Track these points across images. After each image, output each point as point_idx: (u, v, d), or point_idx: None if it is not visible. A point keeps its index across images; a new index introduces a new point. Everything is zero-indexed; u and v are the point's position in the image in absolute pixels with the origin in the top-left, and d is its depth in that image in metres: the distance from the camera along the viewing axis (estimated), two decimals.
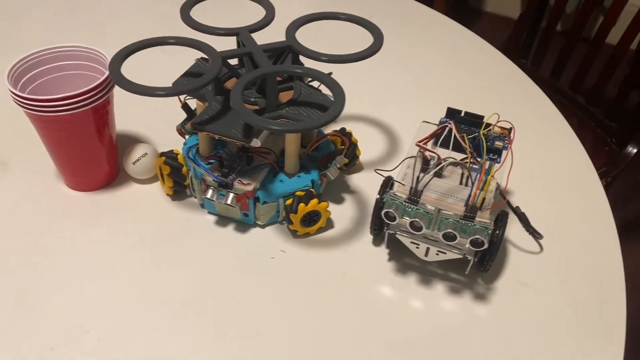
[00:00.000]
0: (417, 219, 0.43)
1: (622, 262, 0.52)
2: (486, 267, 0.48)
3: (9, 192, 0.55)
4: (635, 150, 0.97)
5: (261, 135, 0.48)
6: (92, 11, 0.85)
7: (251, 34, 0.51)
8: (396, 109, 0.69)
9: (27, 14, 0.84)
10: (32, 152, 0.59)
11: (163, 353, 0.43)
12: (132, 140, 0.61)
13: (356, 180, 0.59)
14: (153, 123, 0.63)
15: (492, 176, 0.43)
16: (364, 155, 0.60)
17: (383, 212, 0.44)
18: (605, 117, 1.04)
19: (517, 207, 0.54)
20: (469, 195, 0.44)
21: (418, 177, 0.45)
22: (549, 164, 0.62)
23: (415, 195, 0.44)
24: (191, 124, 0.47)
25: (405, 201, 0.44)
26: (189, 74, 0.52)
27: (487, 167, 0.43)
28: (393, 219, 0.44)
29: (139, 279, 0.48)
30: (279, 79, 0.51)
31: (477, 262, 0.48)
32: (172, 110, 0.58)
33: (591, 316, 0.47)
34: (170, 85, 0.50)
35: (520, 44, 1.17)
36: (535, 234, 0.52)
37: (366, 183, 0.58)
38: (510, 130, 0.50)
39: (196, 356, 0.43)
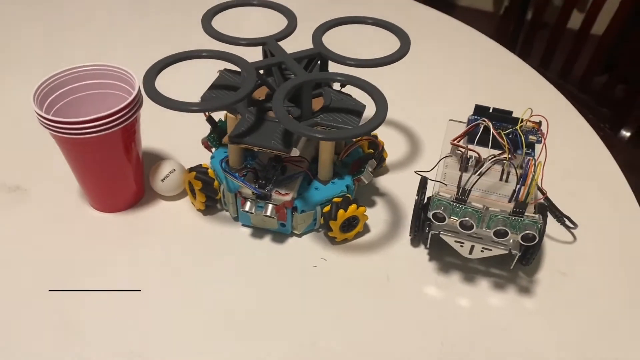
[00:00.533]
0: (467, 218, 0.44)
1: None
2: (529, 260, 0.49)
3: (32, 218, 0.54)
4: (629, 134, 0.99)
5: (299, 144, 0.48)
6: (96, 30, 0.83)
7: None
8: (410, 108, 0.69)
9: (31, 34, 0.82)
10: (50, 176, 0.57)
11: None
12: (153, 157, 0.60)
13: (384, 182, 0.59)
14: (171, 138, 0.61)
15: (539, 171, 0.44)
16: (387, 158, 0.60)
17: (432, 213, 0.45)
18: (597, 104, 1.06)
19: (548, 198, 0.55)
20: (515, 191, 0.44)
21: (461, 176, 0.46)
22: (565, 154, 0.63)
23: (463, 195, 0.44)
24: (229, 138, 0.47)
25: (453, 201, 0.44)
26: (216, 86, 0.51)
27: (534, 163, 0.44)
28: (442, 219, 0.45)
29: (183, 297, 0.47)
30: None
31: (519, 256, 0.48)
32: (189, 124, 0.58)
33: (631, 297, 0.49)
34: (199, 99, 0.50)
35: (507, 37, 1.19)
36: (570, 224, 0.53)
37: (394, 185, 0.58)
38: (540, 123, 0.51)
39: None
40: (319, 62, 0.51)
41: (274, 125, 0.48)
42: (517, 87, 0.75)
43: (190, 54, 0.46)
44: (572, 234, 0.54)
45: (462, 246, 0.48)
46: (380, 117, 0.43)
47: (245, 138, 0.46)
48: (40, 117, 0.47)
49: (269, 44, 0.51)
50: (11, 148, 0.62)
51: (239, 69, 0.51)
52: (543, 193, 0.48)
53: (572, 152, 0.64)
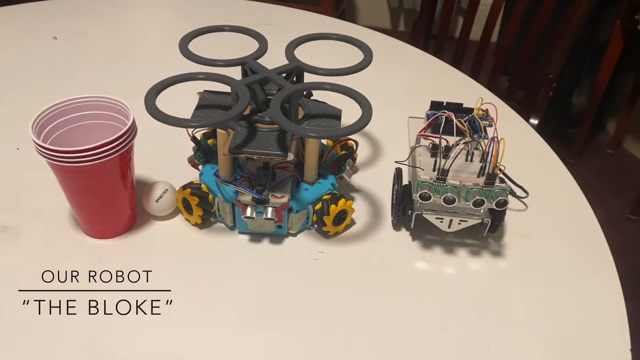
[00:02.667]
0: (449, 194, 0.51)
1: (586, 200, 0.64)
2: (497, 227, 0.56)
3: (31, 256, 0.54)
4: (536, 122, 1.14)
5: (292, 149, 0.53)
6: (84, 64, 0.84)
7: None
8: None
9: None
10: (37, 212, 0.58)
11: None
12: (141, 181, 0.61)
13: (357, 180, 0.65)
14: (154, 162, 0.63)
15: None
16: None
17: (419, 194, 0.51)
18: (506, 100, 1.20)
19: None
20: (483, 167, 0.52)
21: (436, 161, 0.53)
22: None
23: (444, 175, 0.51)
24: (229, 150, 0.51)
25: (435, 181, 0.51)
26: (202, 107, 0.55)
27: (498, 141, 0.52)
28: (428, 198, 0.51)
29: (202, 303, 0.50)
30: None
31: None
32: (168, 147, 0.61)
33: (581, 247, 0.58)
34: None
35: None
36: (523, 193, 0.62)
37: (365, 181, 0.65)
38: (487, 110, 0.59)
39: (291, 352, 0.47)
40: (296, 74, 0.57)
41: (266, 134, 0.53)
42: (448, 86, 0.85)
43: (187, 77, 0.50)
44: (523, 202, 0.63)
45: (441, 222, 0.55)
46: (367, 116, 0.49)
47: (244, 148, 0.51)
48: (40, 148, 0.48)
49: (248, 63, 0.55)
50: None
51: (216, 90, 0.56)
52: (500, 169, 0.57)
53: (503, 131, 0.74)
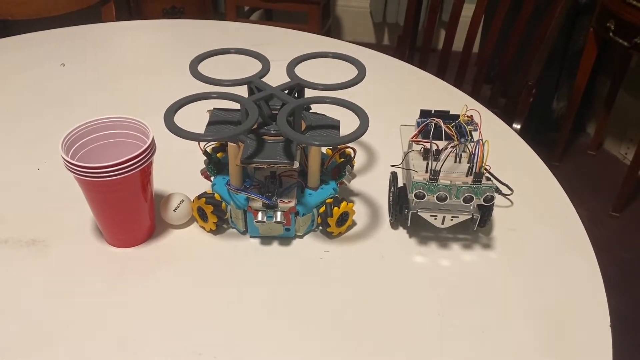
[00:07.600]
0: (441, 192, 0.56)
1: (567, 196, 0.70)
2: (486, 222, 0.62)
3: (58, 265, 0.58)
4: (519, 126, 1.20)
5: (297, 158, 0.58)
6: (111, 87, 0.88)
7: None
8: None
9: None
10: (62, 225, 0.63)
11: (273, 352, 0.51)
12: (158, 193, 0.66)
13: (356, 185, 0.70)
14: (168, 174, 0.68)
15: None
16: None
17: (414, 193, 0.57)
18: (489, 107, 1.26)
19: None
20: (471, 167, 0.57)
21: (428, 163, 0.58)
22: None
23: (436, 175, 0.57)
24: (241, 160, 0.56)
25: (428, 182, 0.57)
26: (213, 122, 0.61)
27: (483, 144, 0.57)
28: (422, 197, 0.57)
29: (223, 301, 0.55)
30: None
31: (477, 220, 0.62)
32: (180, 162, 0.66)
33: (563, 238, 0.64)
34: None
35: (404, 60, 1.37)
36: (508, 190, 0.67)
37: (363, 185, 0.70)
38: (472, 116, 0.65)
39: (305, 341, 0.52)
40: (297, 90, 0.62)
41: (274, 145, 0.58)
42: (436, 97, 0.91)
43: (202, 96, 0.55)
44: (509, 199, 0.68)
45: (435, 219, 0.60)
46: (365, 124, 0.54)
47: (254, 158, 0.56)
48: (69, 164, 0.53)
49: (254, 82, 0.61)
50: (17, 206, 0.66)
51: (225, 107, 0.61)
52: (486, 169, 0.62)
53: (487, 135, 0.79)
